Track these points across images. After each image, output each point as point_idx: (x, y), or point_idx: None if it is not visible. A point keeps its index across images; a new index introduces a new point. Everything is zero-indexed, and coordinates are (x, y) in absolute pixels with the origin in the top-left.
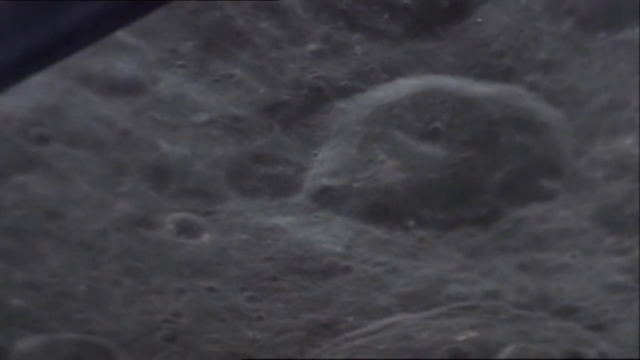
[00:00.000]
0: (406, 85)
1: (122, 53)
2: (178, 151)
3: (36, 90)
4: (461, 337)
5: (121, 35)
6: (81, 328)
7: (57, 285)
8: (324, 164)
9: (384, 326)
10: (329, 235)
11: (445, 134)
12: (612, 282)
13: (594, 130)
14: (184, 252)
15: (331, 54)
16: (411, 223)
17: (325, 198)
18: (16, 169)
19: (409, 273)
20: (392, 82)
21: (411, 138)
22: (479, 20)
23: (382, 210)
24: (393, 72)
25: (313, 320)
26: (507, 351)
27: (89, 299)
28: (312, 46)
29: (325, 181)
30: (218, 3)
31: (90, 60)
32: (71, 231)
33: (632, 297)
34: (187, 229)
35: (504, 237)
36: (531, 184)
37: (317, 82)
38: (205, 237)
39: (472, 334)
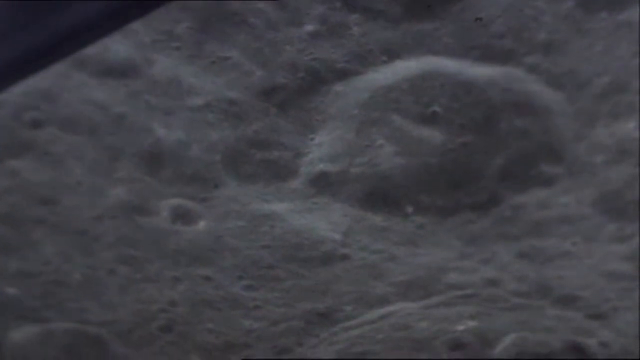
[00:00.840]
0: (404, 68)
1: (117, 35)
2: (173, 136)
3: None
4: (460, 327)
5: None
6: (76, 318)
7: (51, 274)
8: (321, 149)
9: (382, 315)
10: (327, 222)
11: (443, 118)
12: (612, 270)
13: (595, 113)
14: (180, 240)
15: (328, 35)
16: (410, 209)
17: (323, 184)
18: (9, 154)
19: (407, 261)
20: (391, 64)
21: (409, 122)
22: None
23: (380, 196)
24: (391, 54)
25: (310, 310)
26: (507, 341)
27: (83, 287)
28: (309, 27)
29: (322, 166)
30: None
31: None
32: (65, 218)
33: (633, 285)
34: (182, 216)
35: (503, 224)
36: (531, 169)
37: (314, 65)
38: (201, 224)
39: (472, 324)
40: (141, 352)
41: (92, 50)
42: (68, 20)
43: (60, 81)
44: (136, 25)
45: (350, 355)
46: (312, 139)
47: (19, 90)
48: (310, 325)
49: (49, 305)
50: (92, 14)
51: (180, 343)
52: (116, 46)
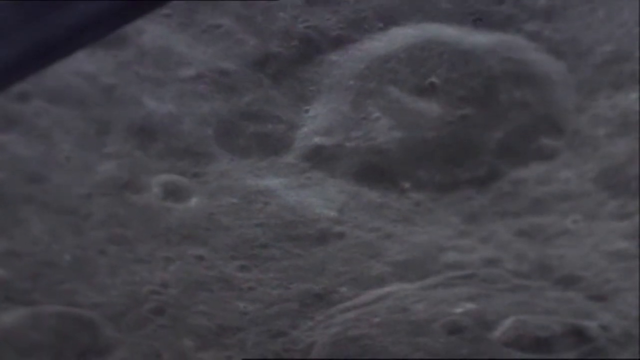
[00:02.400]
0: (401, 35)
1: None
2: (164, 108)
3: None
4: (458, 310)
5: None
6: (66, 300)
7: (40, 254)
8: (315, 121)
9: (378, 297)
10: (322, 198)
11: (442, 89)
12: (614, 249)
13: (597, 84)
14: (171, 218)
15: (323, 0)
16: (406, 185)
17: (318, 158)
18: None
19: (404, 239)
20: (387, 31)
21: (406, 94)
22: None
23: (376, 171)
24: (387, 21)
25: (306, 291)
26: (506, 324)
27: (73, 268)
28: None
29: (317, 140)
30: None
31: None
32: (54, 196)
33: (635, 265)
34: (174, 193)
35: (503, 200)
36: (531, 142)
37: (308, 33)
38: (193, 201)
39: (470, 306)
40: (133, 335)
41: None
42: (71, 18)
43: None
44: None
45: (347, 340)
46: (306, 111)
47: None
48: (305, 307)
49: (38, 287)
50: (95, 12)
51: (173, 326)
52: None
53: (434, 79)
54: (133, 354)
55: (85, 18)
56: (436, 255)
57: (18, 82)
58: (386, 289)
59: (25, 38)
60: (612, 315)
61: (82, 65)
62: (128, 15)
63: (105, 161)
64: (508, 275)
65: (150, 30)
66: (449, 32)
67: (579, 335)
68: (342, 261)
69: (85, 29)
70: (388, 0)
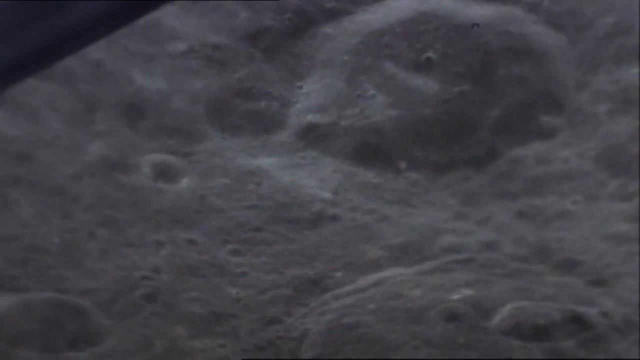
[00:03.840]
0: (397, 8)
1: None
2: (154, 85)
3: None
4: (456, 296)
5: None
6: (55, 286)
7: (29, 238)
8: (309, 98)
9: (374, 282)
10: (316, 179)
11: (438, 64)
12: (615, 232)
13: (597, 58)
14: (162, 199)
15: None
16: (403, 165)
17: (312, 136)
18: None
19: (400, 222)
20: (382, 3)
21: (402, 70)
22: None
23: (372, 150)
24: None
25: (300, 276)
26: (504, 312)
27: (63, 253)
28: None
29: (311, 118)
30: None
31: None
32: (43, 176)
33: (636, 248)
34: (164, 173)
35: (501, 181)
36: (530, 120)
37: (302, 5)
38: (184, 182)
39: (467, 292)
40: (124, 323)
41: None
42: (69, 20)
43: None
44: None
45: (341, 327)
46: (300, 87)
47: None
48: (300, 293)
49: (27, 273)
50: (94, 14)
51: (165, 313)
52: None
53: (430, 54)
54: (124, 342)
55: (85, 18)
56: (433, 239)
57: (18, 83)
58: (382, 274)
59: (25, 38)
60: (612, 301)
61: None
62: (128, 16)
63: (94, 140)
64: (506, 259)
65: None
66: (445, 4)
67: (578, 322)
68: (337, 245)
69: (85, 29)
70: None
